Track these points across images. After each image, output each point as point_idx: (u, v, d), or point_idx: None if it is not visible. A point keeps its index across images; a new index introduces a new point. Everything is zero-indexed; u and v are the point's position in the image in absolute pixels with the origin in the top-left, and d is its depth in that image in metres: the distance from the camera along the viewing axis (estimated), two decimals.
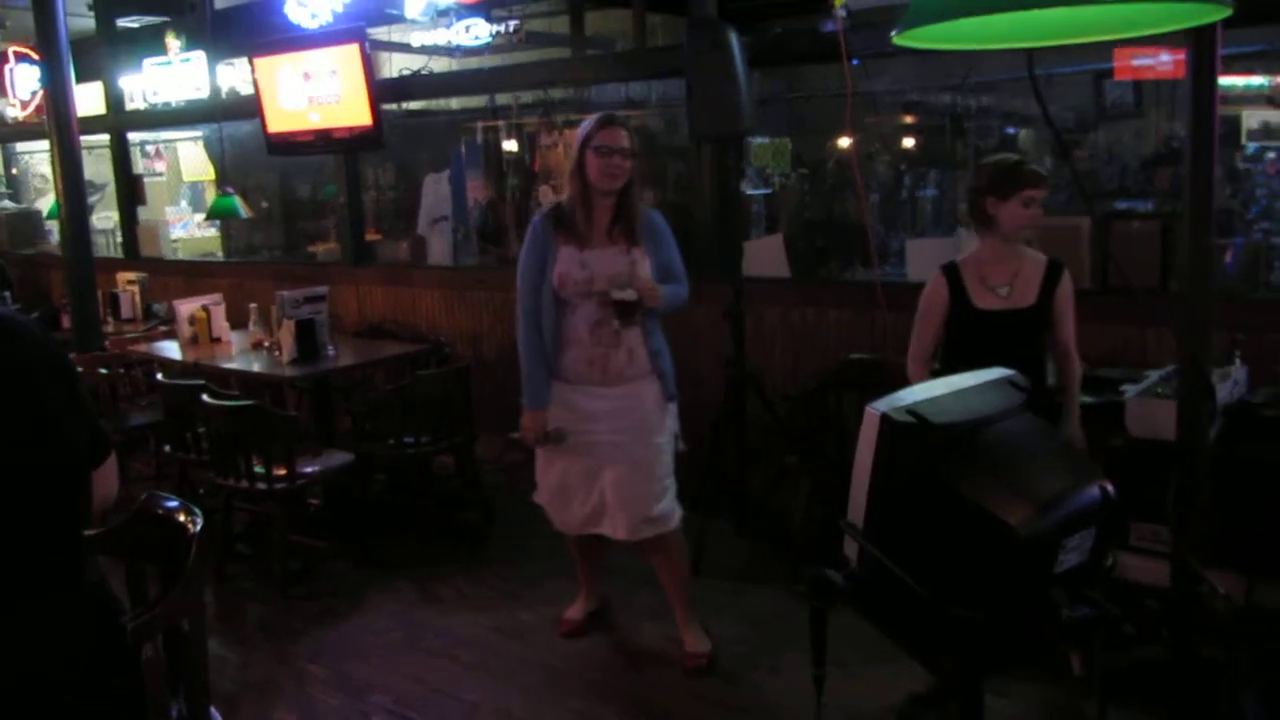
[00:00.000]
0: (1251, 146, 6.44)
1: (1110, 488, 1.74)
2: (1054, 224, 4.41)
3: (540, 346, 3.33)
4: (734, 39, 4.03)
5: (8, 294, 7.33)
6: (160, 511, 1.87)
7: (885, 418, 1.72)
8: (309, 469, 4.28)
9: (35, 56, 7.63)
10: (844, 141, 7.04)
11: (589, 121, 3.27)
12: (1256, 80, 6.37)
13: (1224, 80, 2.96)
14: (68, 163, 5.77)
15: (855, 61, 4.25)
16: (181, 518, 1.85)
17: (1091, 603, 1.76)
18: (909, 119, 7.51)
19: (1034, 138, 7.21)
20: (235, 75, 7.04)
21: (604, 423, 3.30)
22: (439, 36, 5.74)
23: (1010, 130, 7.29)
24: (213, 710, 1.88)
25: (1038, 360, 3.24)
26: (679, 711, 3.21)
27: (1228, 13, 1.12)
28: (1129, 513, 2.80)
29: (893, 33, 1.08)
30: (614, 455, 3.31)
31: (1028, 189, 3.15)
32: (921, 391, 1.84)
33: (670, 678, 3.40)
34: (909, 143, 7.51)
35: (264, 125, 6.28)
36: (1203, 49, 1.90)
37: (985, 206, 3.20)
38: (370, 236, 7.14)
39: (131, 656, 1.60)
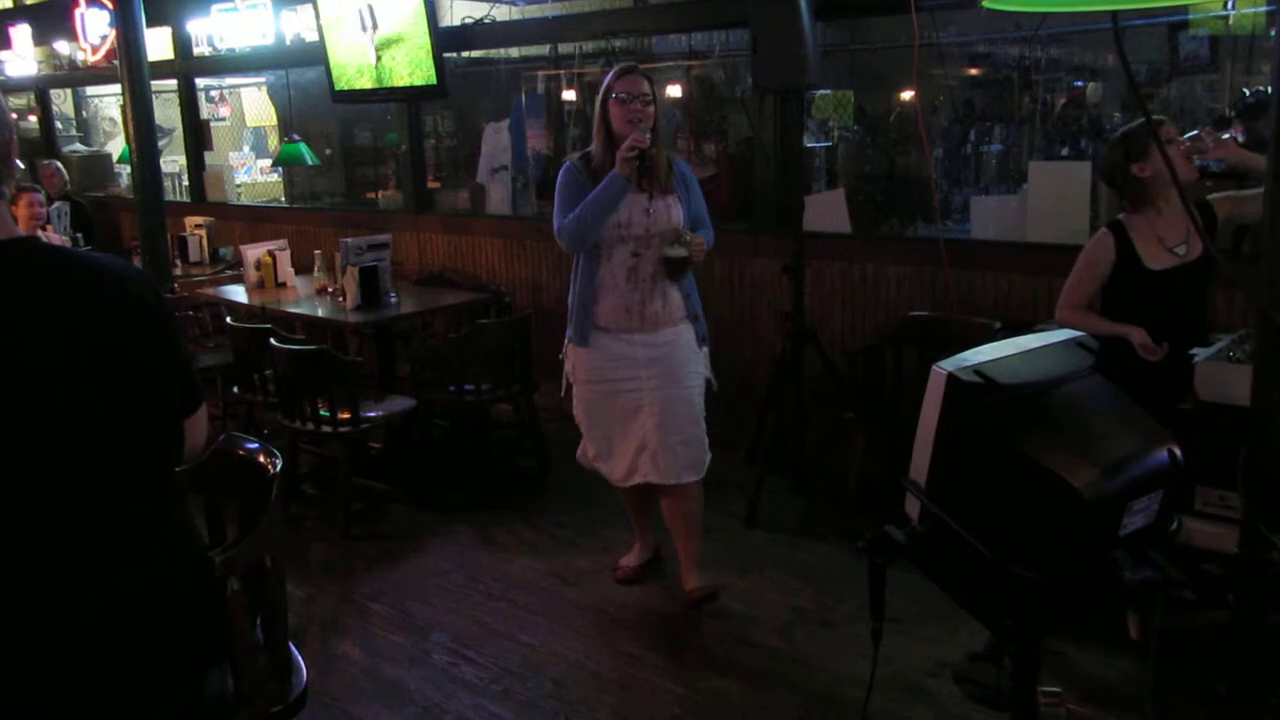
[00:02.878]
0: None
1: (1178, 451, 1.73)
2: None
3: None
4: None
5: (79, 235, 7.49)
6: (241, 452, 1.94)
7: (952, 377, 1.72)
8: (372, 413, 4.38)
9: (106, 1, 7.73)
10: (908, 94, 6.92)
11: (610, 74, 3.33)
12: None
13: None
14: (139, 107, 5.87)
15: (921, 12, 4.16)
16: (262, 459, 1.92)
17: (1154, 566, 1.76)
18: (975, 72, 7.35)
19: (1102, 91, 7.03)
20: (299, 21, 7.07)
21: (643, 369, 3.37)
22: None
23: (1078, 83, 7.11)
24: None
25: (1204, 312, 3.29)
26: (731, 660, 3.26)
27: None
28: (1193, 477, 2.78)
29: None
30: (653, 400, 3.38)
31: (1158, 128, 3.06)
32: (989, 352, 1.83)
33: (722, 627, 3.45)
34: (975, 96, 7.35)
35: (329, 73, 6.33)
36: None
37: (1134, 174, 3.16)
38: (429, 184, 7.19)
39: (217, 590, 1.67)
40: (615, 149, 3.26)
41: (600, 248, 3.33)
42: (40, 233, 6.22)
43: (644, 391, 3.38)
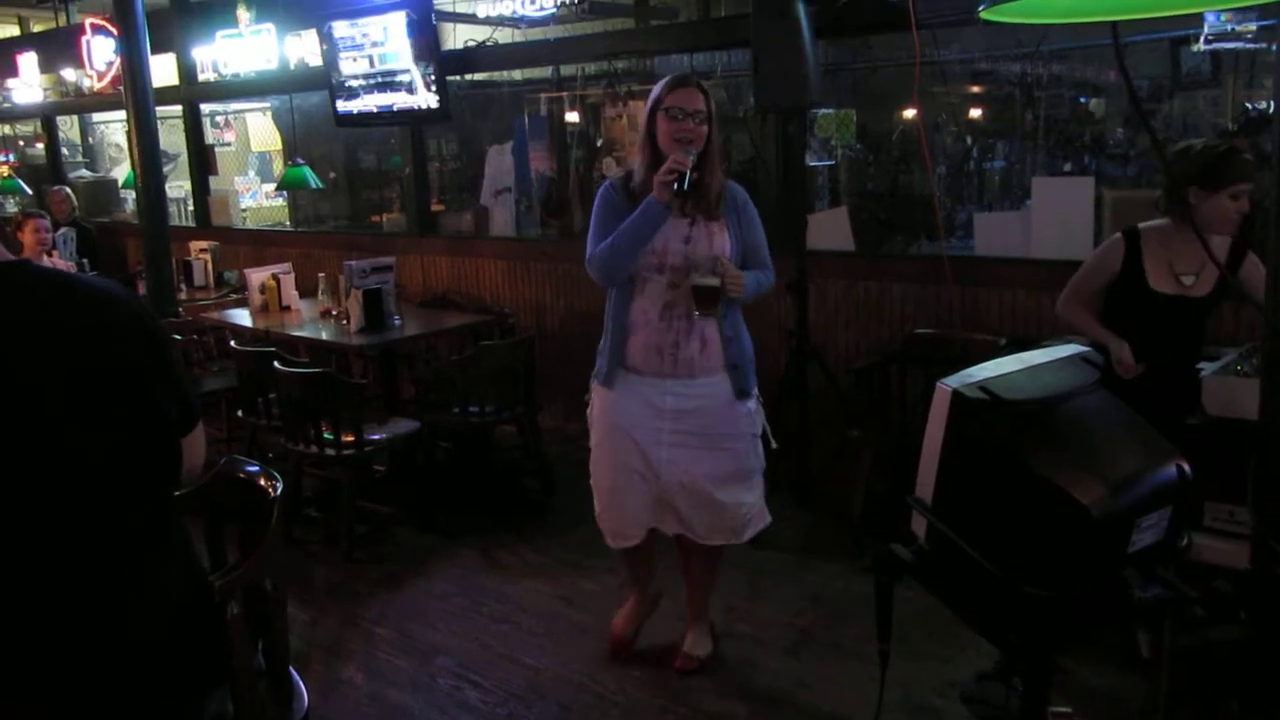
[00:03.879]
0: None
1: (1187, 467, 1.71)
2: (1127, 196, 4.33)
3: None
4: (801, 9, 3.98)
5: (85, 261, 7.50)
6: (242, 475, 1.92)
7: (956, 394, 1.70)
8: (375, 436, 4.37)
9: (111, 28, 7.79)
10: (910, 112, 6.93)
11: (661, 83, 2.94)
12: None
13: None
14: (144, 133, 5.90)
15: (923, 30, 4.18)
16: (263, 482, 1.91)
17: (1164, 583, 1.73)
18: (977, 89, 7.36)
19: (1105, 107, 7.04)
20: (303, 47, 7.11)
21: (667, 421, 2.99)
22: (504, 7, 5.74)
23: (1082, 99, 7.11)
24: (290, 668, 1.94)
25: (1199, 344, 3.18)
26: (737, 682, 3.24)
27: None
28: (1203, 492, 2.75)
29: (980, 8, 1.06)
30: (675, 459, 3.01)
31: (1240, 182, 2.93)
32: (993, 368, 1.81)
33: (731, 648, 3.43)
34: (977, 113, 7.36)
35: (331, 97, 6.36)
36: None
37: (1188, 195, 2.98)
38: (434, 207, 7.21)
39: (217, 613, 1.66)
40: (659, 169, 2.87)
41: (634, 278, 2.96)
42: (46, 258, 6.24)
43: (663, 446, 3.00)
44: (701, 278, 2.89)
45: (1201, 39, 4.26)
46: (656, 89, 2.94)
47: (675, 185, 2.79)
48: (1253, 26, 4.08)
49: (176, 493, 1.72)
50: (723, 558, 3.35)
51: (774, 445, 3.21)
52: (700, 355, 2.96)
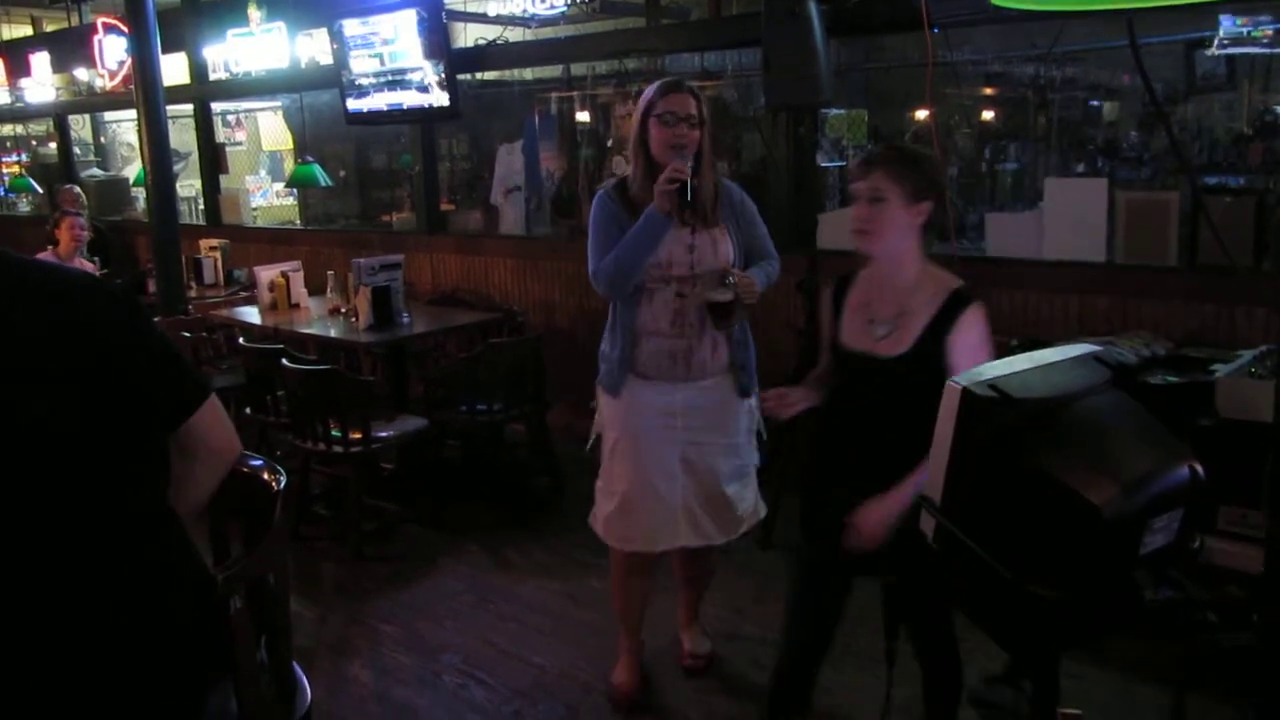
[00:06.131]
0: None
1: (1200, 468, 1.69)
2: (1141, 198, 4.29)
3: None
4: (813, 8, 3.96)
5: (96, 259, 7.52)
6: (245, 469, 1.91)
7: (966, 392, 1.69)
8: (383, 433, 4.36)
9: (123, 27, 7.81)
10: (922, 113, 6.91)
11: (651, 88, 2.88)
12: None
13: None
14: (154, 132, 5.91)
15: (935, 30, 4.15)
16: (266, 476, 1.89)
17: (1176, 585, 1.72)
18: (990, 90, 7.33)
19: (1118, 109, 7.01)
20: (314, 45, 7.13)
21: (680, 419, 2.96)
22: (515, 6, 5.74)
23: (1095, 103, 7.09)
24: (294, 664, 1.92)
25: (912, 430, 1.87)
26: (746, 684, 3.22)
27: None
28: (1216, 495, 2.73)
29: None
30: (689, 454, 2.98)
31: (851, 182, 2.37)
32: (1004, 366, 1.80)
33: (738, 650, 3.41)
34: (990, 114, 7.34)
35: (342, 95, 6.37)
36: None
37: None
38: (444, 206, 7.21)
39: (220, 608, 1.65)
40: (655, 176, 2.80)
41: (641, 288, 2.90)
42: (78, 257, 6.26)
43: (678, 445, 2.97)
44: (714, 293, 2.80)
45: (1216, 43, 4.24)
46: (647, 94, 2.88)
47: (678, 194, 2.71)
48: (1269, 31, 4.06)
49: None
50: (730, 559, 3.37)
51: (764, 436, 3.17)
52: (712, 358, 2.94)
